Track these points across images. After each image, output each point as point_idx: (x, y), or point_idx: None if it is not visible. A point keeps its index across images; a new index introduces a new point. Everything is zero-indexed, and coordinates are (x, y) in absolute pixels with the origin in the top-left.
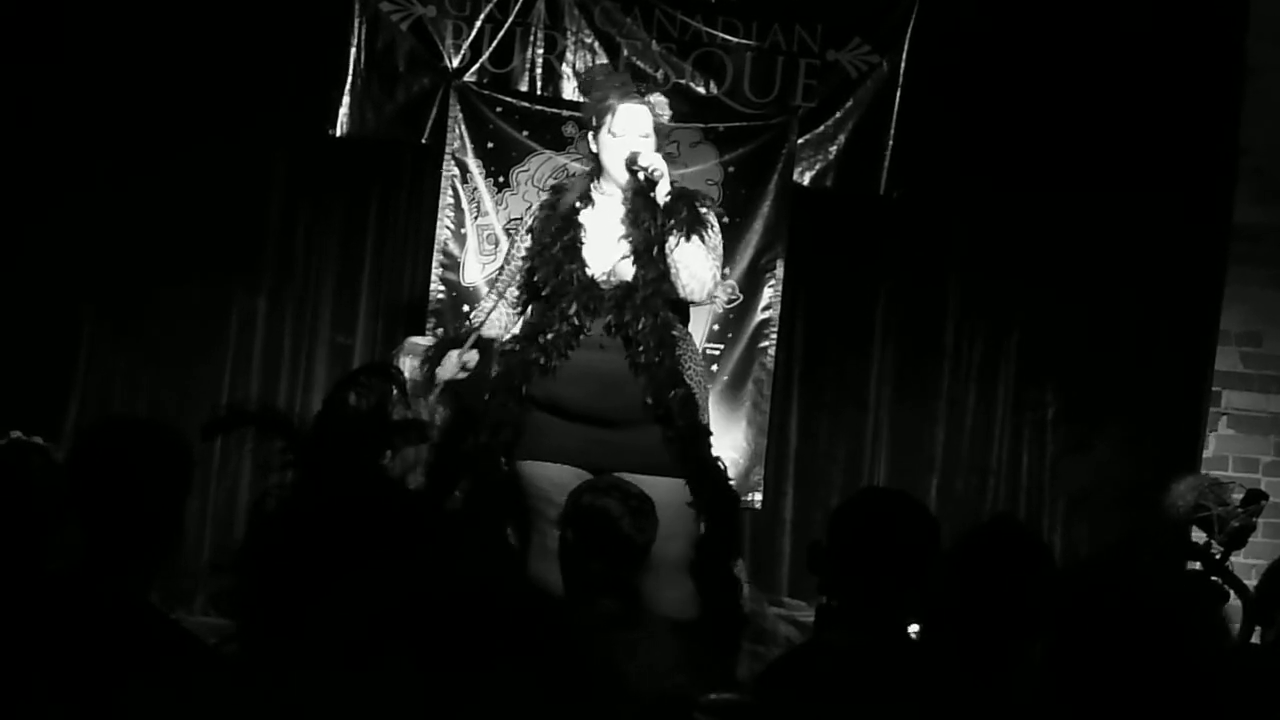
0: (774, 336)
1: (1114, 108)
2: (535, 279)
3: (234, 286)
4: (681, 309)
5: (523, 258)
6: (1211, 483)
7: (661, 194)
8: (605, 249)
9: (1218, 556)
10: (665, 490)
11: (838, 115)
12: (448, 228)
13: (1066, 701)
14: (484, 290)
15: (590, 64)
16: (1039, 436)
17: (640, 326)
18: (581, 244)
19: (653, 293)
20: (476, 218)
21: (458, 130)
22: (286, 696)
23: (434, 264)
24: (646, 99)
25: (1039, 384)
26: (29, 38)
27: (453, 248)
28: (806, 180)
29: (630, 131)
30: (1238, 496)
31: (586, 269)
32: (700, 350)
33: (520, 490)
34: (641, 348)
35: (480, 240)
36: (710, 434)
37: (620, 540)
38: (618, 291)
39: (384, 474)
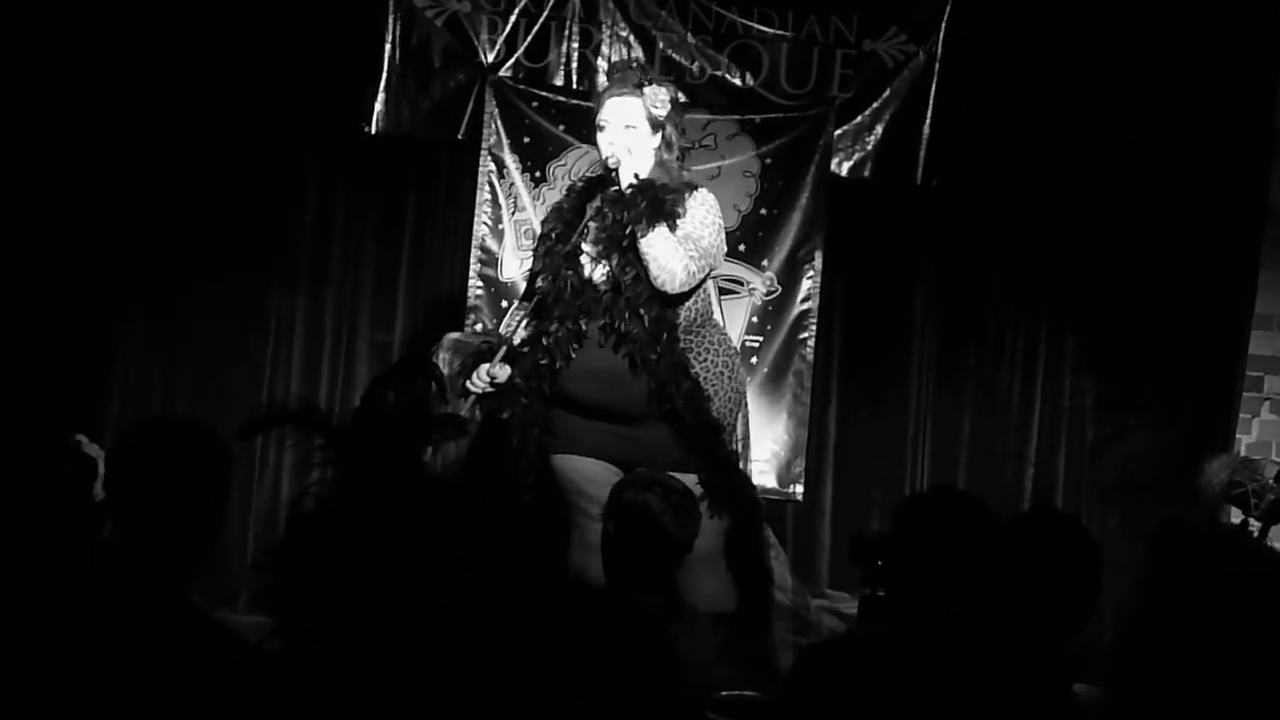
0: (813, 328)
1: (1150, 93)
2: (537, 283)
3: (272, 285)
4: (701, 301)
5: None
6: (1244, 460)
7: (624, 180)
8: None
9: (1255, 534)
10: (692, 485)
11: (874, 105)
12: (485, 224)
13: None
14: (521, 288)
15: (625, 57)
16: (1077, 424)
17: (630, 329)
18: (581, 247)
19: (636, 294)
20: (514, 213)
21: (494, 126)
22: (328, 695)
23: (472, 260)
24: (642, 90)
25: (1077, 371)
26: (68, 39)
27: (490, 244)
28: (844, 171)
29: (614, 122)
30: (1271, 472)
31: (584, 271)
32: (736, 343)
33: (555, 485)
34: (636, 345)
35: (518, 236)
36: (723, 428)
37: (661, 536)
38: (609, 294)
39: (424, 471)
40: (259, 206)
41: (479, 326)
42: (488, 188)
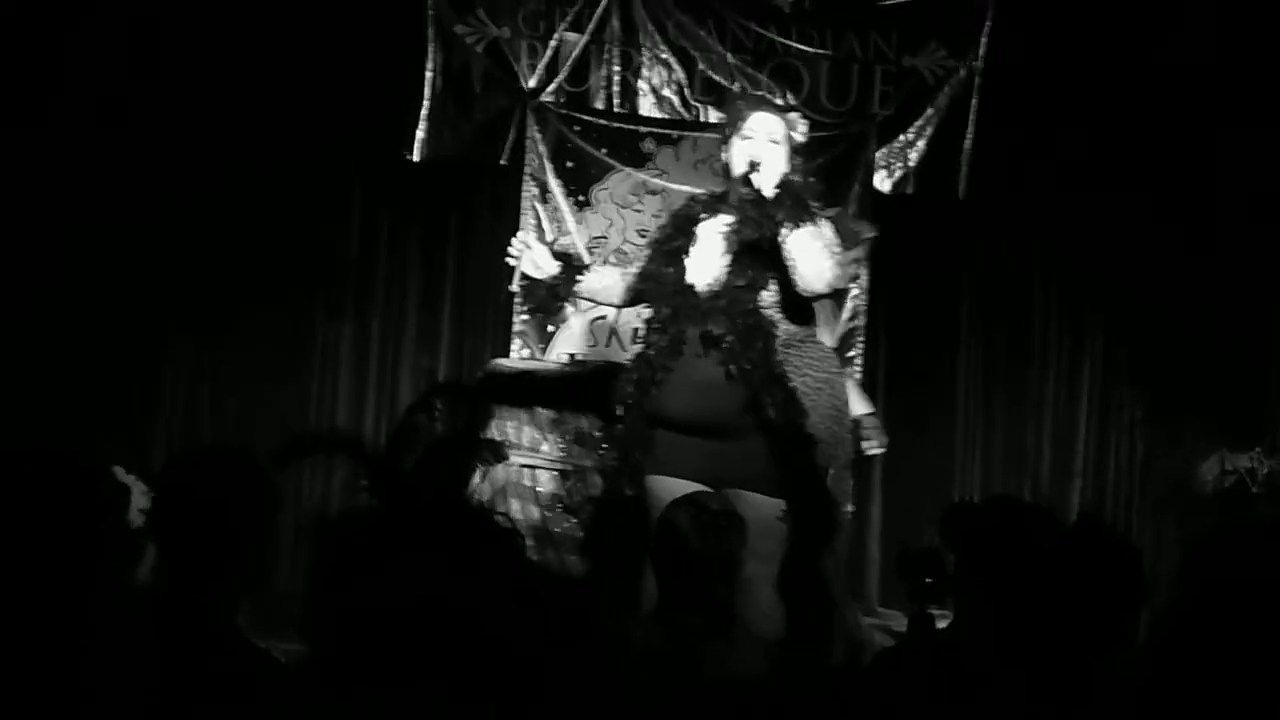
0: (861, 344)
1: (1191, 105)
2: (640, 284)
3: (317, 310)
4: (802, 312)
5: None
6: (1227, 451)
7: (767, 185)
8: (715, 260)
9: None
10: (771, 510)
11: (916, 122)
12: None
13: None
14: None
15: (667, 79)
16: (1126, 437)
17: (726, 333)
18: (686, 252)
19: (734, 300)
20: (558, 237)
21: (536, 150)
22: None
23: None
24: (786, 115)
25: (1125, 383)
26: (115, 68)
27: None
28: (887, 187)
29: (759, 134)
30: (1257, 454)
31: (685, 275)
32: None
33: (647, 508)
34: (731, 353)
35: None
36: (816, 443)
37: (686, 555)
38: (708, 300)
39: (463, 496)
40: (305, 232)
41: (525, 352)
42: (531, 212)
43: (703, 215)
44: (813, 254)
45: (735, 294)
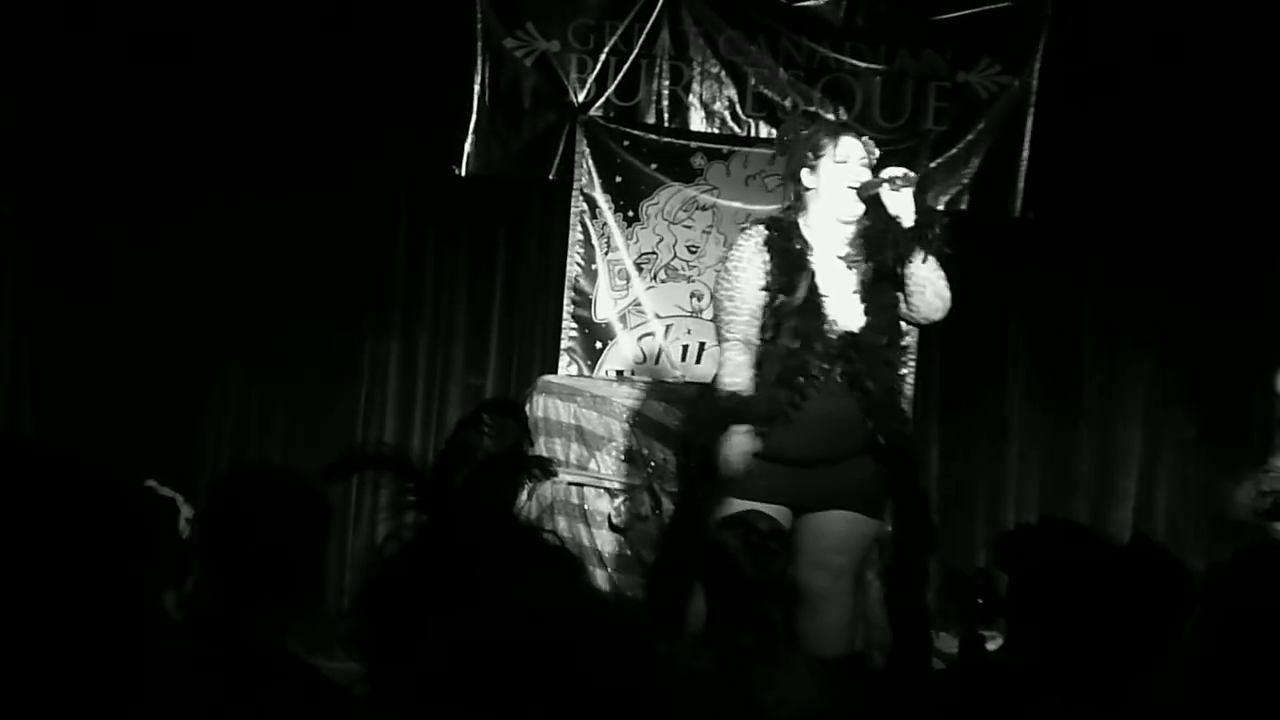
0: (912, 364)
1: (1248, 119)
2: (774, 330)
3: (364, 327)
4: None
5: (765, 304)
6: (1261, 473)
7: (908, 207)
8: (850, 298)
9: None
10: (848, 527)
11: (969, 138)
12: (578, 264)
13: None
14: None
15: (717, 94)
16: (1180, 459)
17: (870, 372)
18: (823, 296)
19: (875, 342)
20: (607, 253)
21: (585, 165)
22: None
23: (565, 301)
24: (862, 138)
25: (1180, 405)
26: (161, 83)
27: (584, 284)
28: (940, 204)
29: (854, 159)
30: None
31: (826, 322)
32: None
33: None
34: (871, 392)
35: (611, 275)
36: (922, 468)
37: (736, 576)
38: (844, 341)
39: (512, 513)
40: (352, 249)
41: (573, 369)
42: (580, 228)
43: (799, 246)
44: (941, 282)
45: (877, 337)
